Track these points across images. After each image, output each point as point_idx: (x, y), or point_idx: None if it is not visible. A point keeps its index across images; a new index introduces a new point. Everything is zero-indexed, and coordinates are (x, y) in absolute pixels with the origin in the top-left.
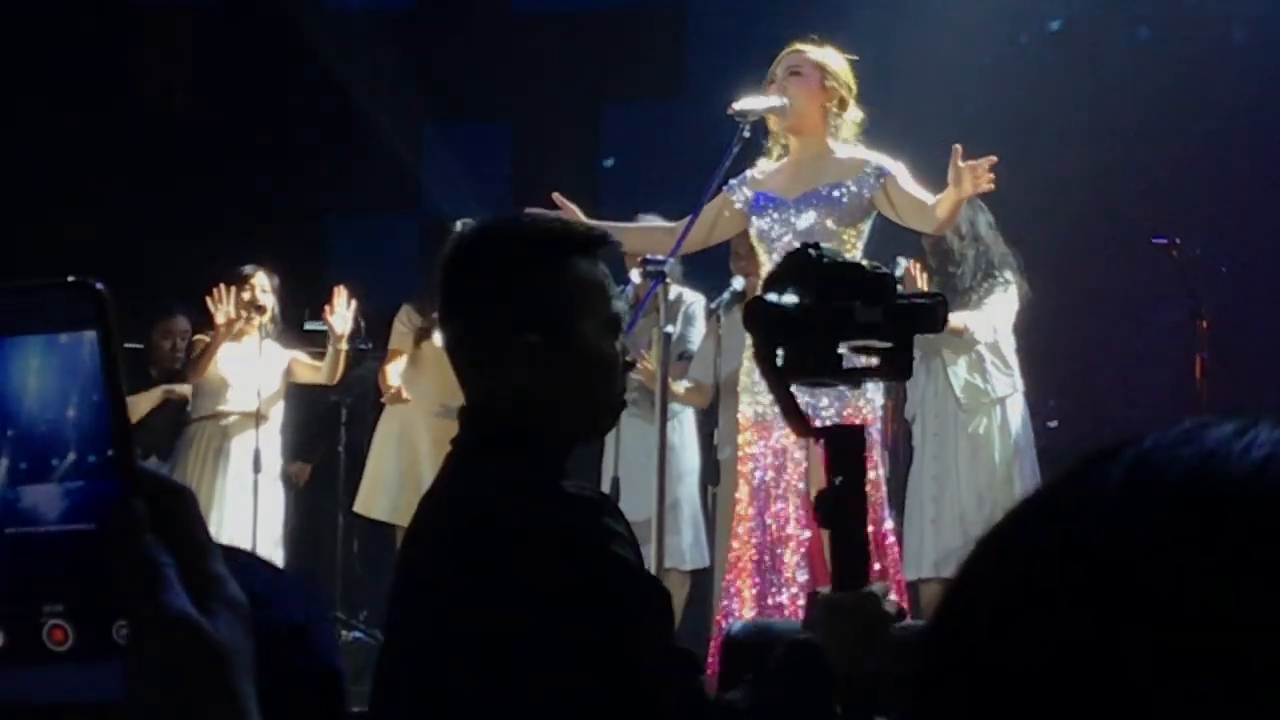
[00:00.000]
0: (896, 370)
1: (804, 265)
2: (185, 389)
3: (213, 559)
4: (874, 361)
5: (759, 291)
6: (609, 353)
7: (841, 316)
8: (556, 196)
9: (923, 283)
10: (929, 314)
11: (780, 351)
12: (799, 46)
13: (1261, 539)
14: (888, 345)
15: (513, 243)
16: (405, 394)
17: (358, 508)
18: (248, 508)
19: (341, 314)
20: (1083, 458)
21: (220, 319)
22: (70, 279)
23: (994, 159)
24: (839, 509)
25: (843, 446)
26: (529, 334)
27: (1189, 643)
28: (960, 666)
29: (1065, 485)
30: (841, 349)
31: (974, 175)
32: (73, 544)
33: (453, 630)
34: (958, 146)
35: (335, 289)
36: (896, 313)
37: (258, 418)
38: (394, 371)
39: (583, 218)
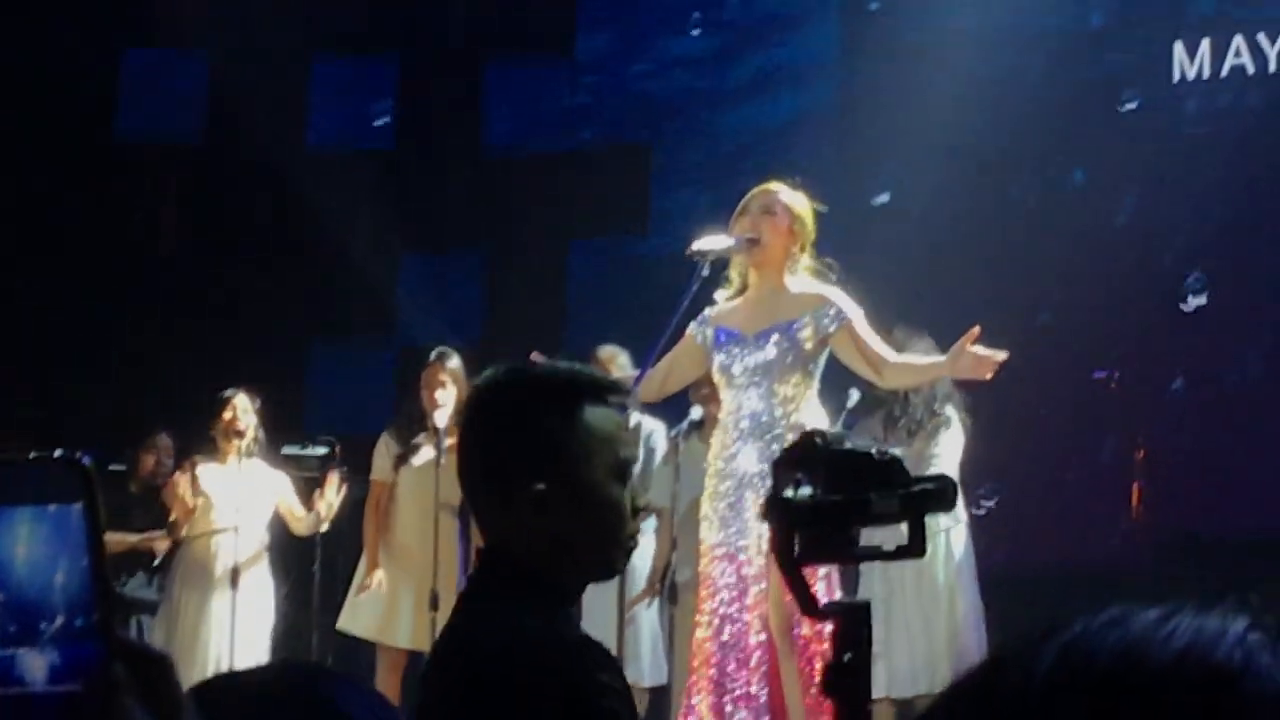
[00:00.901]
0: (913, 551)
1: (811, 454)
2: (161, 545)
3: None
4: (890, 545)
5: (771, 484)
6: (618, 498)
7: (859, 507)
8: (535, 356)
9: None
10: (941, 497)
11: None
12: (773, 187)
13: None
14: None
15: (524, 391)
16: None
17: (341, 625)
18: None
19: (330, 499)
20: (1015, 640)
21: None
22: (59, 453)
23: (1005, 355)
24: (848, 682)
25: (852, 622)
26: (539, 480)
27: None
28: None
29: (998, 669)
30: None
31: (979, 363)
32: (58, 705)
33: None
34: (976, 330)
35: (329, 475)
36: (911, 500)
37: (235, 534)
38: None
39: None
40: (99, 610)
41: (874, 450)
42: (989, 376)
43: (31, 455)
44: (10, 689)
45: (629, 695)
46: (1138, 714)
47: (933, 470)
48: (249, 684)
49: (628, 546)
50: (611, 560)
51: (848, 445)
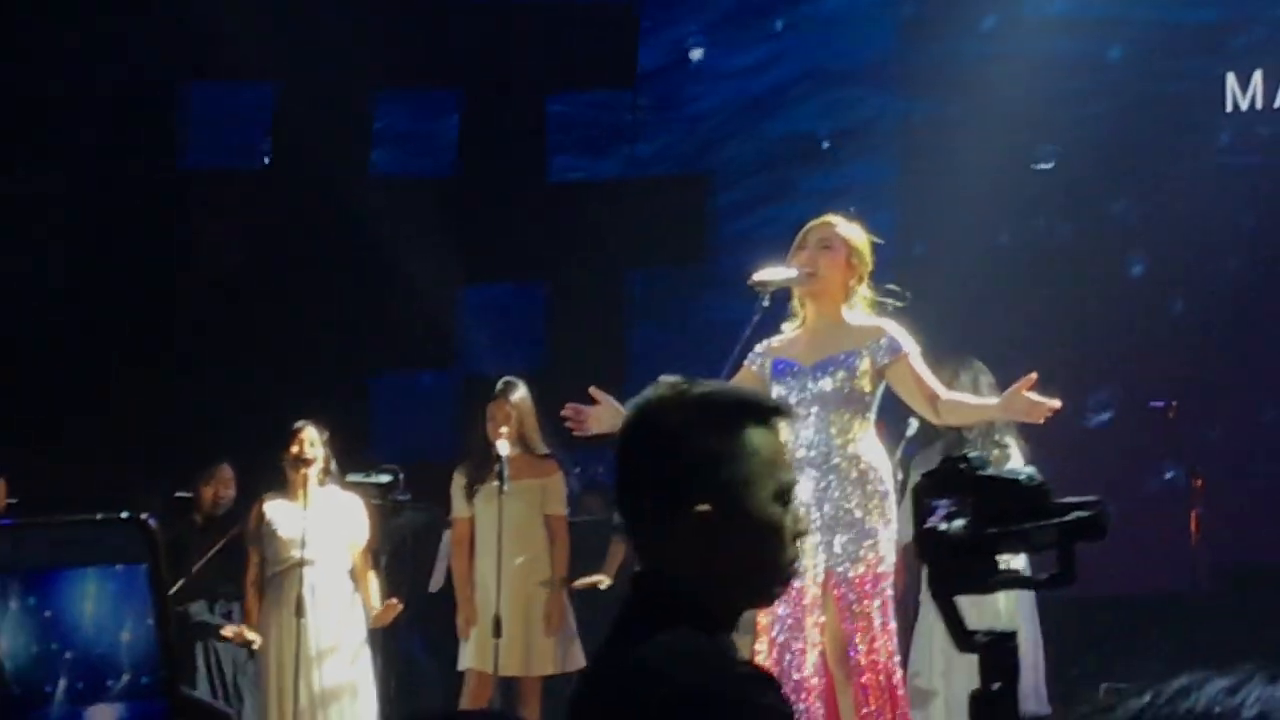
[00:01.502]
0: (1066, 579)
1: (957, 481)
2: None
3: None
4: (1041, 576)
5: (923, 513)
6: (779, 522)
7: (1018, 538)
8: (594, 390)
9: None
10: (1094, 524)
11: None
12: (831, 220)
13: None
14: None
15: (686, 410)
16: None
17: (461, 665)
18: (331, 650)
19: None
20: (1086, 707)
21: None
22: (125, 515)
23: (1058, 403)
24: (996, 711)
25: (1000, 652)
26: (700, 502)
27: None
28: None
29: None
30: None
31: (1033, 408)
32: None
33: None
34: (1033, 376)
35: (389, 604)
36: (1067, 529)
37: (302, 564)
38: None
39: (617, 405)
40: (164, 668)
41: (1022, 476)
42: (1041, 421)
43: (99, 516)
44: None
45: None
46: None
47: None
48: None
49: (788, 572)
50: (771, 585)
51: (991, 471)
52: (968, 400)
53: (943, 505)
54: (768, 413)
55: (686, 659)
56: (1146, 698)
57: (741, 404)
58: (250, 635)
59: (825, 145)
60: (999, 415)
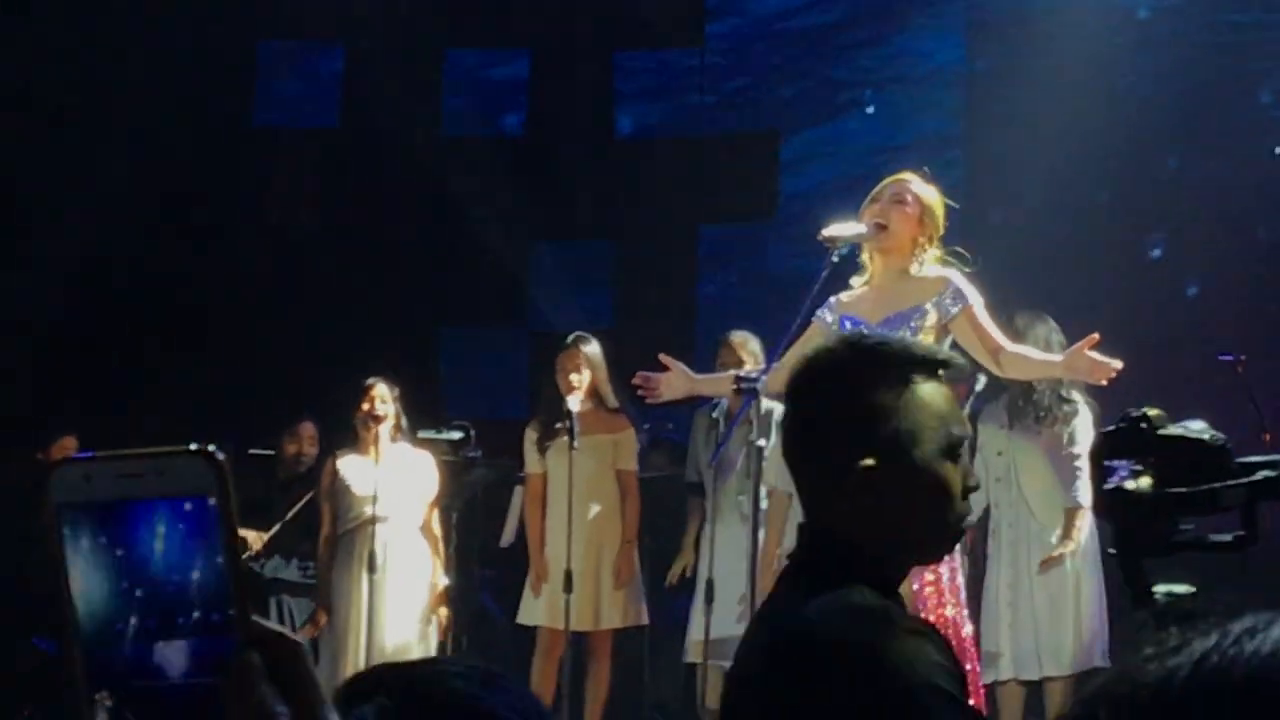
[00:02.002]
0: (1251, 540)
1: (1139, 440)
2: (250, 536)
3: (324, 707)
4: (1225, 537)
5: (1102, 474)
6: (948, 477)
7: (1206, 498)
8: (664, 358)
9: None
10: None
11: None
12: (908, 176)
13: None
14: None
15: (854, 364)
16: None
17: (520, 619)
18: (401, 607)
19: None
20: (1157, 646)
21: None
22: (193, 447)
23: (1120, 364)
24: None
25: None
26: (867, 456)
27: None
28: None
29: (1136, 677)
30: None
31: (1096, 368)
32: (196, 695)
33: None
34: (1095, 336)
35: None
36: (1256, 489)
37: (374, 521)
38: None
39: (689, 372)
40: (235, 603)
41: (1206, 435)
42: (1104, 382)
43: (166, 450)
44: (150, 682)
45: (964, 679)
46: None
47: (1076, 455)
48: (392, 679)
49: (957, 529)
50: (939, 541)
51: (1174, 430)
52: (1031, 355)
53: (1122, 466)
54: (936, 366)
55: (855, 616)
56: (1213, 639)
57: (910, 357)
58: (323, 622)
59: (869, 110)
60: (1062, 374)
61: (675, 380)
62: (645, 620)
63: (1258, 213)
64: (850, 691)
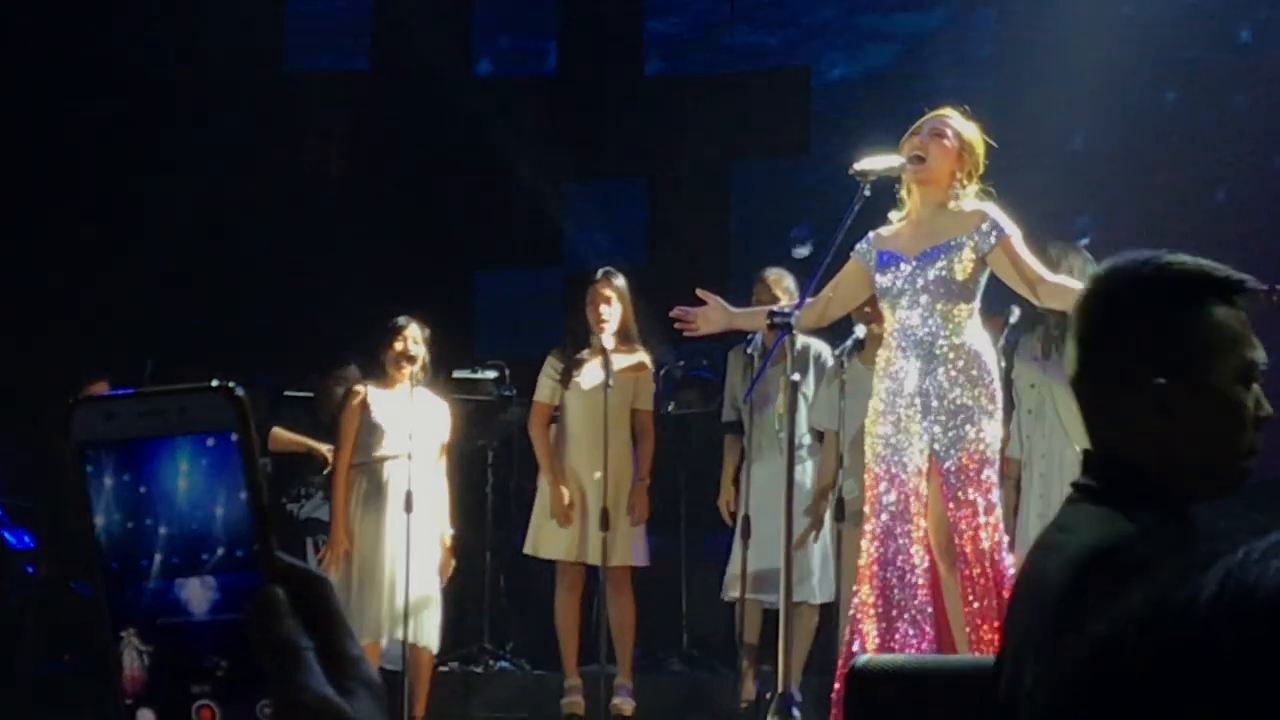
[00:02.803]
0: None
1: None
2: (327, 451)
3: (349, 641)
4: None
5: None
6: (1241, 401)
7: None
8: (701, 291)
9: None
10: None
11: None
12: (948, 111)
13: None
14: None
15: (1148, 283)
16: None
17: (528, 550)
18: (424, 551)
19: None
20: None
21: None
22: (214, 383)
23: None
24: None
25: None
26: (1159, 376)
27: None
28: None
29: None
30: None
31: None
32: (220, 631)
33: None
34: None
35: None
36: None
37: (409, 460)
38: (540, 435)
39: (726, 306)
40: (259, 538)
41: None
42: None
43: (187, 386)
44: (174, 618)
45: None
46: None
47: None
48: None
49: (1247, 458)
50: (1228, 470)
51: None
52: (1072, 284)
53: None
54: (1232, 287)
55: (1145, 543)
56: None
57: (1204, 276)
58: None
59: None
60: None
61: (713, 314)
62: (646, 562)
63: None
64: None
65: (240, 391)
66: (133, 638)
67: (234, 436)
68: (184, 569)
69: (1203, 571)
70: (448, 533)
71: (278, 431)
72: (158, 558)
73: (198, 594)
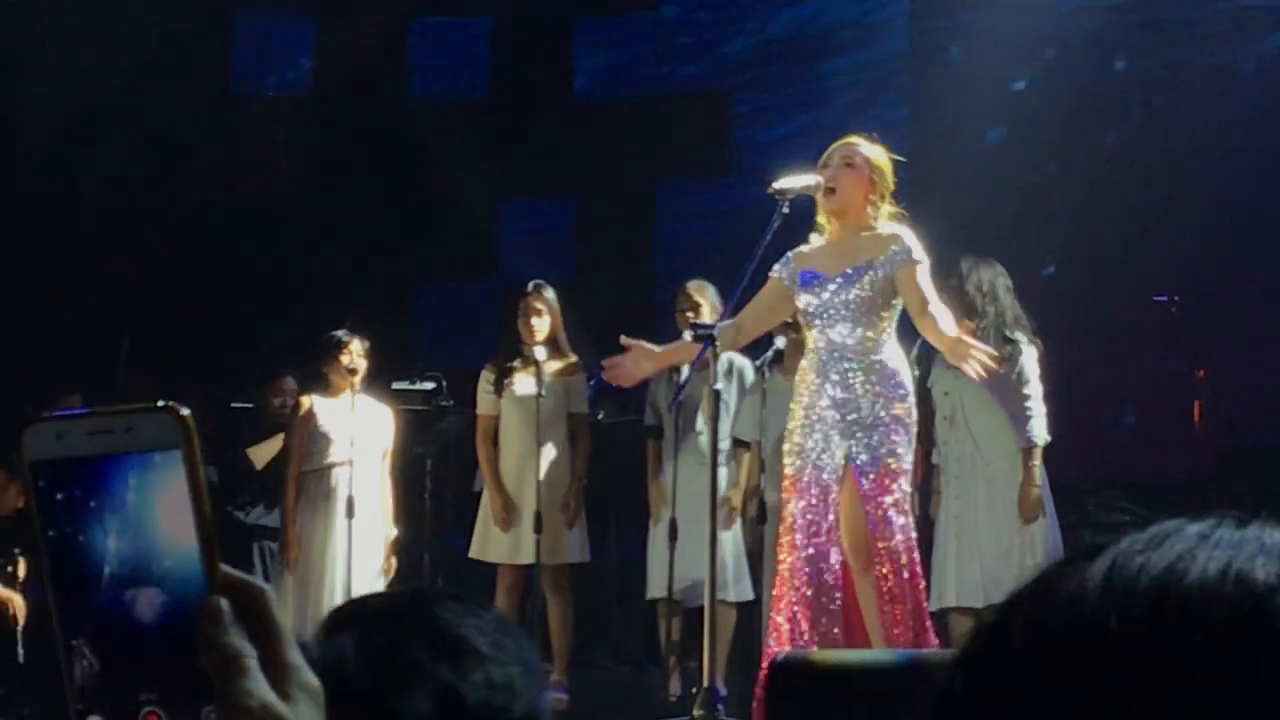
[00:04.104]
0: None
1: None
2: (262, 451)
3: (290, 649)
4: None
5: None
6: None
7: None
8: (625, 339)
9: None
10: None
11: None
12: (855, 140)
13: (1215, 635)
14: None
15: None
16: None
17: (473, 554)
18: (367, 551)
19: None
20: (1074, 553)
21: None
22: (161, 404)
23: (995, 365)
24: None
25: None
26: None
27: (1145, 714)
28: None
29: (1058, 578)
30: None
31: (971, 362)
32: (167, 640)
33: None
34: (969, 325)
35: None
36: None
37: (350, 466)
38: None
39: (651, 348)
40: (203, 553)
41: None
42: (974, 376)
43: (135, 406)
44: (125, 627)
45: None
46: (1179, 628)
47: (1028, 395)
48: (373, 607)
49: None
50: None
51: None
52: (936, 324)
53: None
54: None
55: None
56: (1124, 543)
57: None
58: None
59: (818, 67)
60: (946, 352)
61: (641, 361)
62: (588, 558)
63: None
64: None
65: (185, 411)
66: (83, 646)
67: (180, 454)
68: (132, 580)
69: (1090, 560)
70: (390, 533)
71: (255, 450)
72: (107, 570)
73: (146, 604)
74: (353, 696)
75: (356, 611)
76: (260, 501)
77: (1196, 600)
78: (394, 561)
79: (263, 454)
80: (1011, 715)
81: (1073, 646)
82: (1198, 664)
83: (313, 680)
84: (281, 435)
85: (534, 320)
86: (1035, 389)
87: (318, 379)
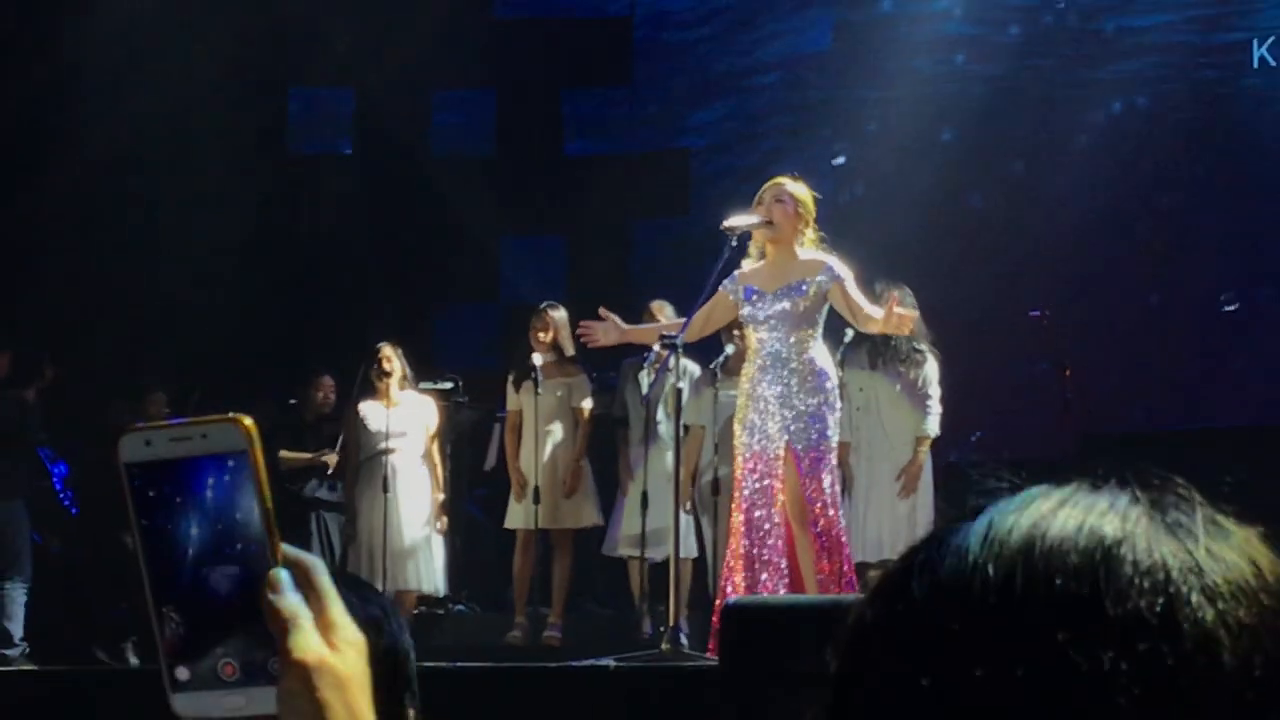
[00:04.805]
0: None
1: None
2: (331, 459)
3: (338, 609)
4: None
5: None
6: None
7: None
8: (602, 310)
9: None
10: None
11: None
12: (782, 180)
13: (1072, 577)
14: None
15: None
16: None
17: (507, 524)
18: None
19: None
20: (957, 515)
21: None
22: (230, 416)
23: (915, 314)
24: None
25: None
26: None
27: (1016, 649)
28: (870, 659)
29: (939, 541)
30: None
31: (901, 321)
32: (239, 605)
33: None
34: (895, 295)
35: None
36: None
37: (388, 452)
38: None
39: (620, 324)
40: (267, 535)
41: None
42: (906, 329)
43: (207, 418)
44: (204, 596)
45: None
46: (1043, 572)
47: (929, 395)
48: None
49: None
50: None
51: None
52: (872, 317)
53: None
54: None
55: None
56: (1000, 505)
57: None
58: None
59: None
60: (886, 327)
61: (610, 329)
62: (600, 521)
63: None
64: None
65: (248, 420)
66: (171, 612)
67: (246, 456)
68: (210, 559)
69: (972, 519)
70: (440, 497)
71: (284, 454)
72: (190, 550)
73: (221, 577)
74: None
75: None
76: (313, 477)
77: (1057, 550)
78: (444, 519)
79: (291, 461)
80: (909, 641)
81: (957, 586)
82: (1057, 602)
83: (358, 635)
84: (309, 454)
85: (540, 335)
86: (935, 391)
87: (365, 385)
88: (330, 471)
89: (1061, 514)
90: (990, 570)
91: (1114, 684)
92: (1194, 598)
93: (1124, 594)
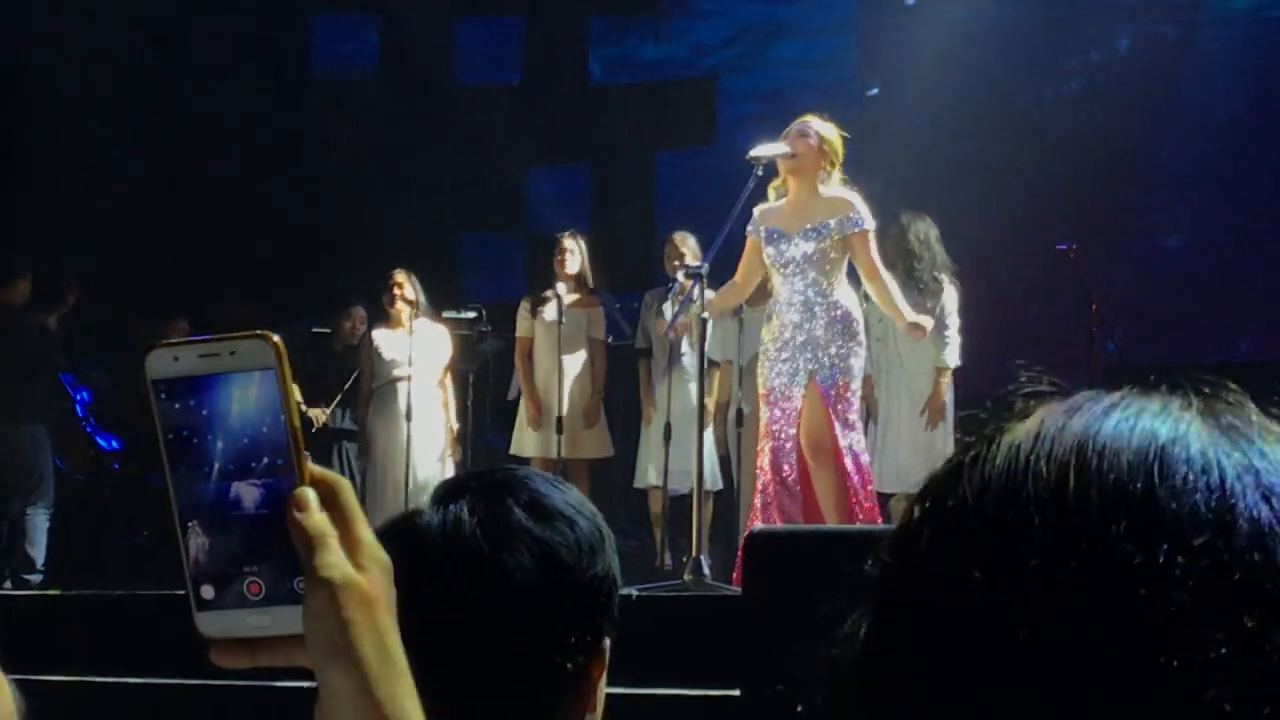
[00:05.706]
0: None
1: None
2: (315, 414)
3: (363, 528)
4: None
5: None
6: None
7: None
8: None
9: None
10: None
11: None
12: (809, 118)
13: (1125, 474)
14: None
15: None
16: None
17: (512, 450)
18: (426, 446)
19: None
20: (979, 439)
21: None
22: (259, 332)
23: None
24: None
25: None
26: None
27: (1070, 541)
28: (920, 554)
29: (1000, 432)
30: None
31: (914, 330)
32: (264, 523)
33: None
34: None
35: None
36: None
37: (410, 381)
38: (521, 363)
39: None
40: (293, 450)
41: None
42: (918, 338)
43: (235, 335)
44: (230, 513)
45: None
46: (1097, 469)
47: (946, 325)
48: (480, 480)
49: None
50: None
51: None
52: (887, 292)
53: None
54: None
55: None
56: (1051, 405)
57: None
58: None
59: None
60: (898, 322)
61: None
62: (611, 452)
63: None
64: None
65: (277, 338)
66: (196, 528)
67: (273, 372)
68: (236, 474)
69: (992, 443)
70: (454, 426)
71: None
72: (216, 466)
73: (247, 494)
74: (467, 554)
75: (466, 484)
76: (337, 407)
77: (1110, 448)
78: (458, 449)
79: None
80: (960, 534)
81: (1010, 482)
82: (1111, 497)
83: (383, 555)
84: (318, 410)
85: (567, 258)
86: (954, 321)
87: (379, 313)
88: (339, 398)
89: (1114, 415)
90: (1043, 466)
91: (1168, 576)
92: (1250, 495)
93: (1179, 491)
